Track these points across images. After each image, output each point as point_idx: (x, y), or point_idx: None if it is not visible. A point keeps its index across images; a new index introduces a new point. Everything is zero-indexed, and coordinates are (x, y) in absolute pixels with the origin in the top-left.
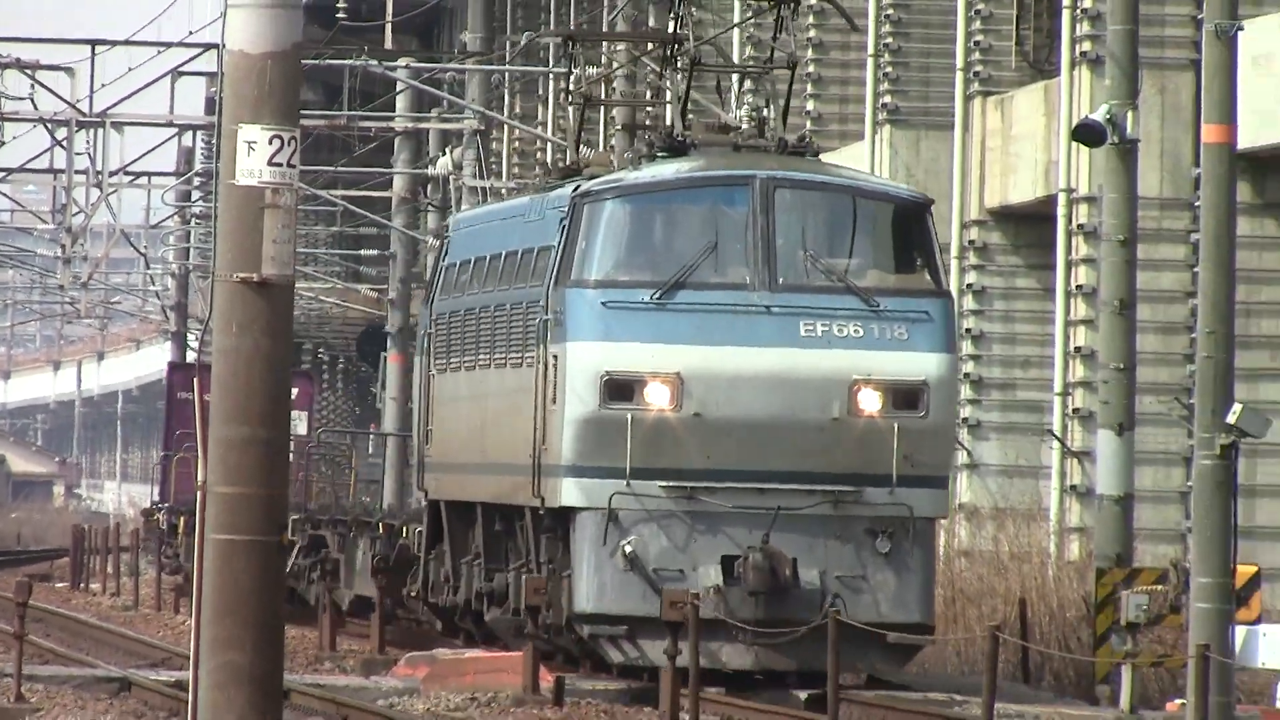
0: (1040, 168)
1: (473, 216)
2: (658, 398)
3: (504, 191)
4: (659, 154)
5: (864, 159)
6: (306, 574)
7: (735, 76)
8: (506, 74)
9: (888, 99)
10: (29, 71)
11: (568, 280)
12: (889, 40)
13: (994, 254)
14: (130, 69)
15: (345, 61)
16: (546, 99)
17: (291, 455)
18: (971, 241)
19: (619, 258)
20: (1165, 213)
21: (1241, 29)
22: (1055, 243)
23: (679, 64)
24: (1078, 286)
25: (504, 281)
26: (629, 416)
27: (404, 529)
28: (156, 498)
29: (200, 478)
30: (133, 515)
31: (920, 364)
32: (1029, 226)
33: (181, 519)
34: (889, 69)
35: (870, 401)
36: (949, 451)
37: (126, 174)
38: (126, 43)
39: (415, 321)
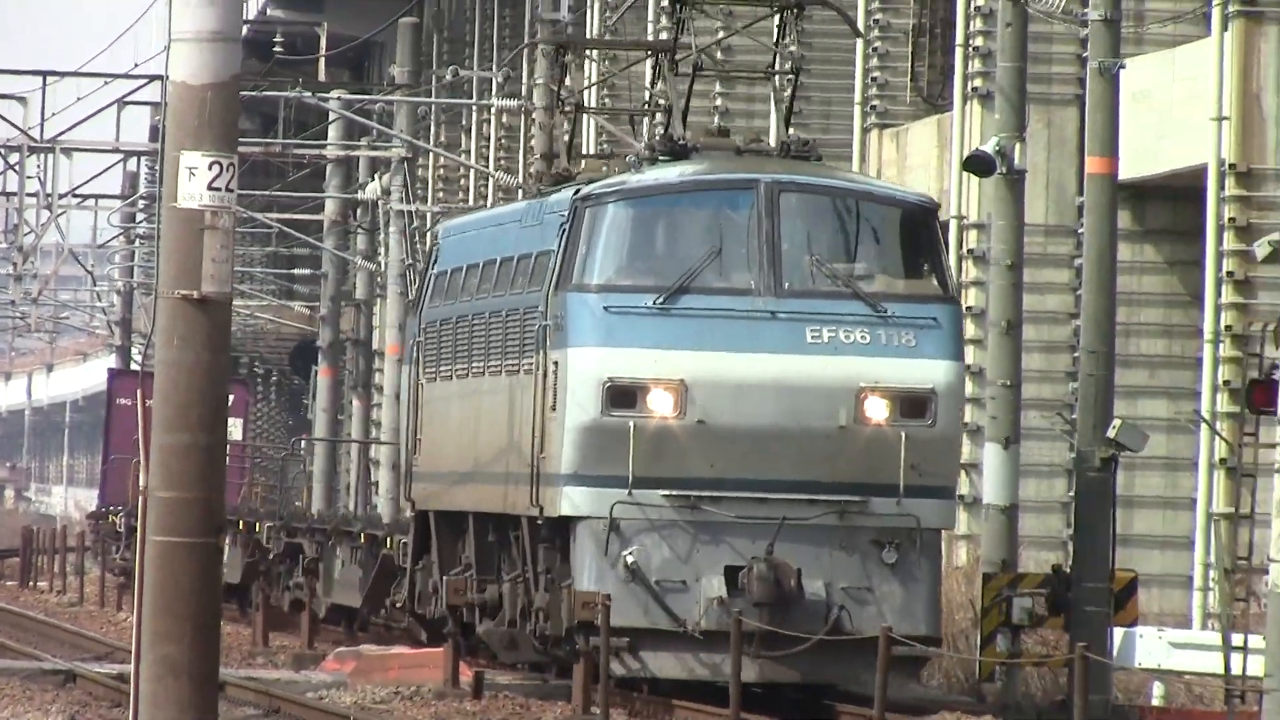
0: (933, 196)
1: (463, 224)
2: (661, 405)
3: (429, 216)
4: (660, 157)
5: None
6: (280, 580)
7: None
8: (432, 106)
9: (790, 131)
10: None
11: (569, 285)
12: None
13: None
14: (79, 98)
15: (281, 93)
16: (470, 129)
17: (229, 459)
18: None
19: (621, 262)
20: (1050, 239)
21: (1123, 67)
22: None
23: (678, 69)
24: (967, 308)
25: (499, 287)
26: (631, 424)
27: (388, 539)
28: (98, 501)
29: (142, 483)
30: (78, 518)
31: (928, 372)
32: None
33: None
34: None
35: (877, 410)
36: (956, 462)
37: (75, 196)
38: (76, 74)
39: (347, 337)
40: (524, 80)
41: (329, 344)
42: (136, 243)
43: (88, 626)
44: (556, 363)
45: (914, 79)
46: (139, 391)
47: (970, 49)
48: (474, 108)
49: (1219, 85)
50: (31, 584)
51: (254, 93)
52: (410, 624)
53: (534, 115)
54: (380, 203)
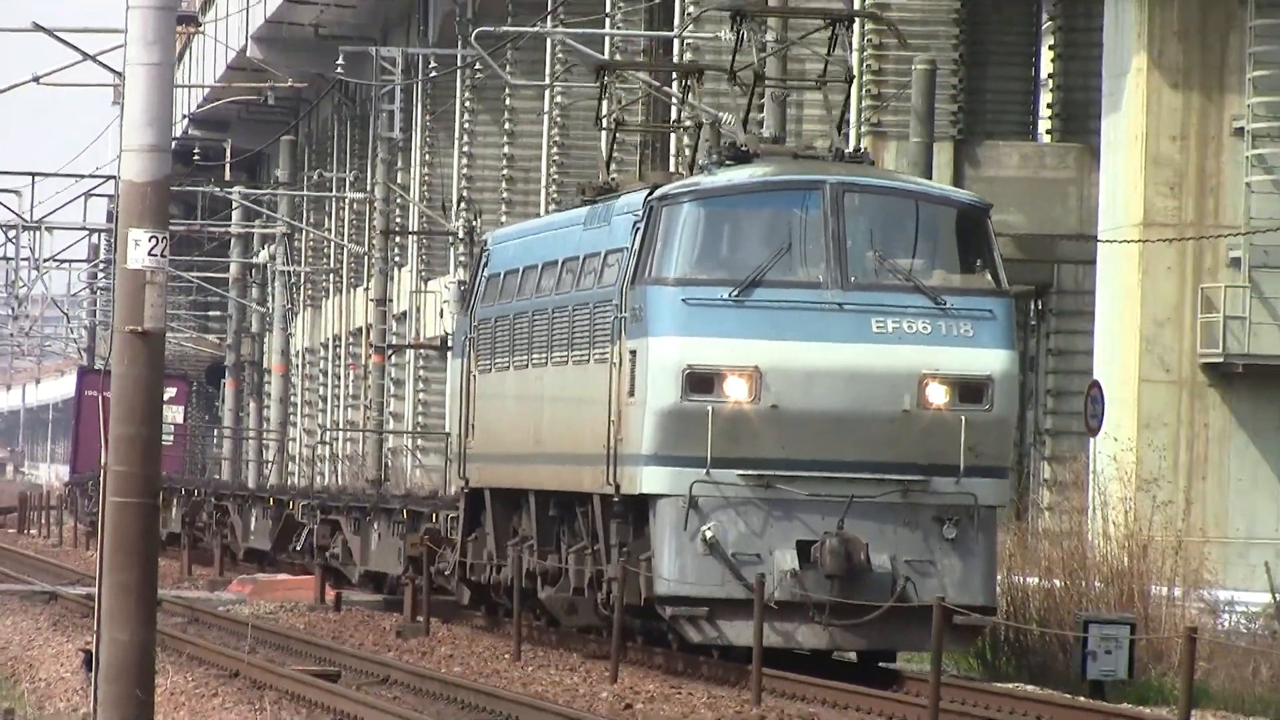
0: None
1: (513, 231)
2: (737, 390)
3: (302, 274)
4: (725, 162)
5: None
6: (311, 552)
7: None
8: (304, 197)
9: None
10: None
11: (647, 279)
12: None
13: None
14: (57, 192)
15: (198, 188)
16: (330, 212)
17: (173, 438)
18: None
19: (697, 257)
20: None
21: None
22: None
23: (737, 79)
24: None
25: (562, 285)
26: (709, 408)
27: (434, 515)
28: (70, 473)
29: (103, 460)
30: (58, 485)
31: (986, 360)
32: None
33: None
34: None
35: (938, 395)
36: (1009, 443)
37: (55, 261)
38: (55, 174)
39: (245, 359)
40: (368, 177)
41: (233, 364)
42: (99, 293)
43: (65, 561)
44: (634, 351)
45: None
46: (99, 391)
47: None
48: (333, 198)
49: None
50: (26, 531)
51: (179, 188)
52: (456, 587)
53: (376, 205)
54: (268, 265)
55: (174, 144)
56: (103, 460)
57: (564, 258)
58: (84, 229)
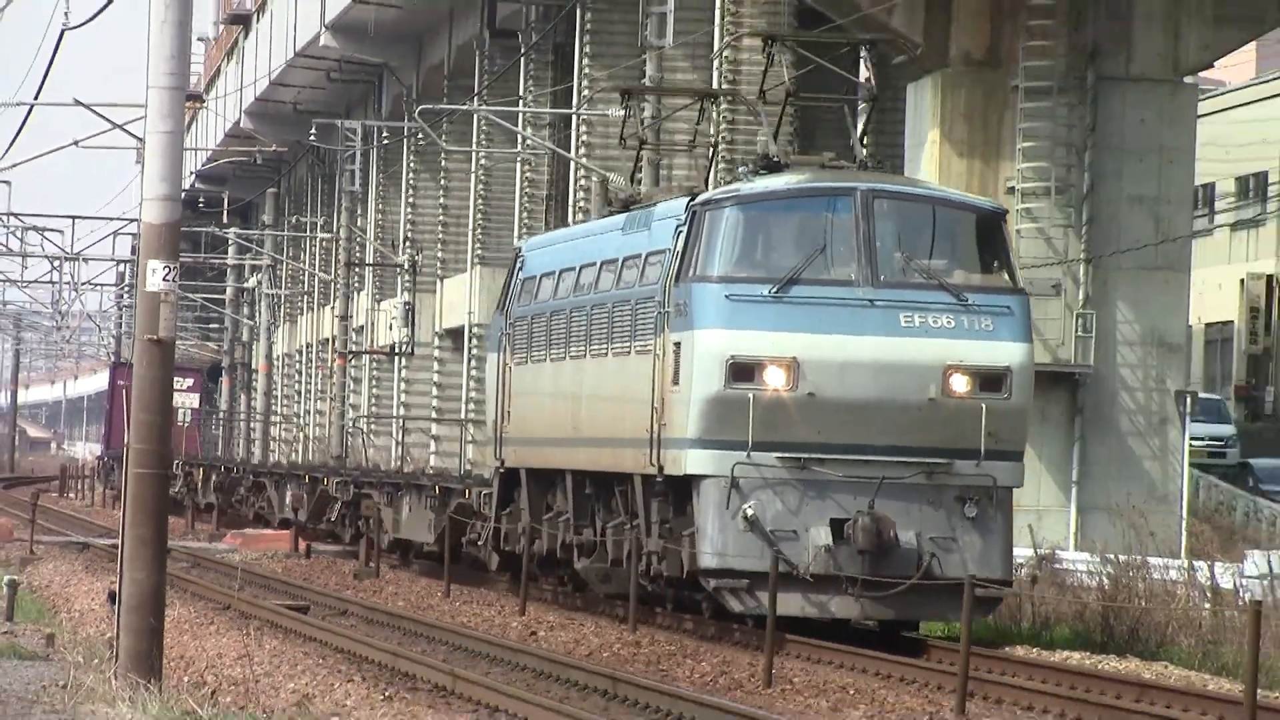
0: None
1: (546, 239)
2: (776, 379)
3: (283, 296)
4: (760, 171)
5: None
6: (344, 522)
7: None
8: (285, 236)
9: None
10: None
11: (692, 276)
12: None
13: None
14: (92, 230)
15: (202, 229)
16: (306, 248)
17: (188, 422)
18: None
19: (738, 257)
20: None
21: None
22: None
23: (766, 98)
24: None
25: (602, 284)
26: (751, 395)
27: (466, 491)
28: (103, 449)
29: (126, 440)
30: (91, 459)
31: (1005, 352)
32: None
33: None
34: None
35: (961, 384)
36: (1025, 429)
37: (90, 285)
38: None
39: (238, 361)
40: (335, 222)
41: (228, 365)
42: (123, 309)
43: (96, 518)
44: (679, 343)
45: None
46: (124, 385)
47: None
48: (306, 237)
49: None
50: (65, 495)
51: (187, 228)
52: (486, 555)
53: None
54: (256, 289)
55: (183, 194)
56: (126, 439)
57: (603, 260)
58: (113, 260)
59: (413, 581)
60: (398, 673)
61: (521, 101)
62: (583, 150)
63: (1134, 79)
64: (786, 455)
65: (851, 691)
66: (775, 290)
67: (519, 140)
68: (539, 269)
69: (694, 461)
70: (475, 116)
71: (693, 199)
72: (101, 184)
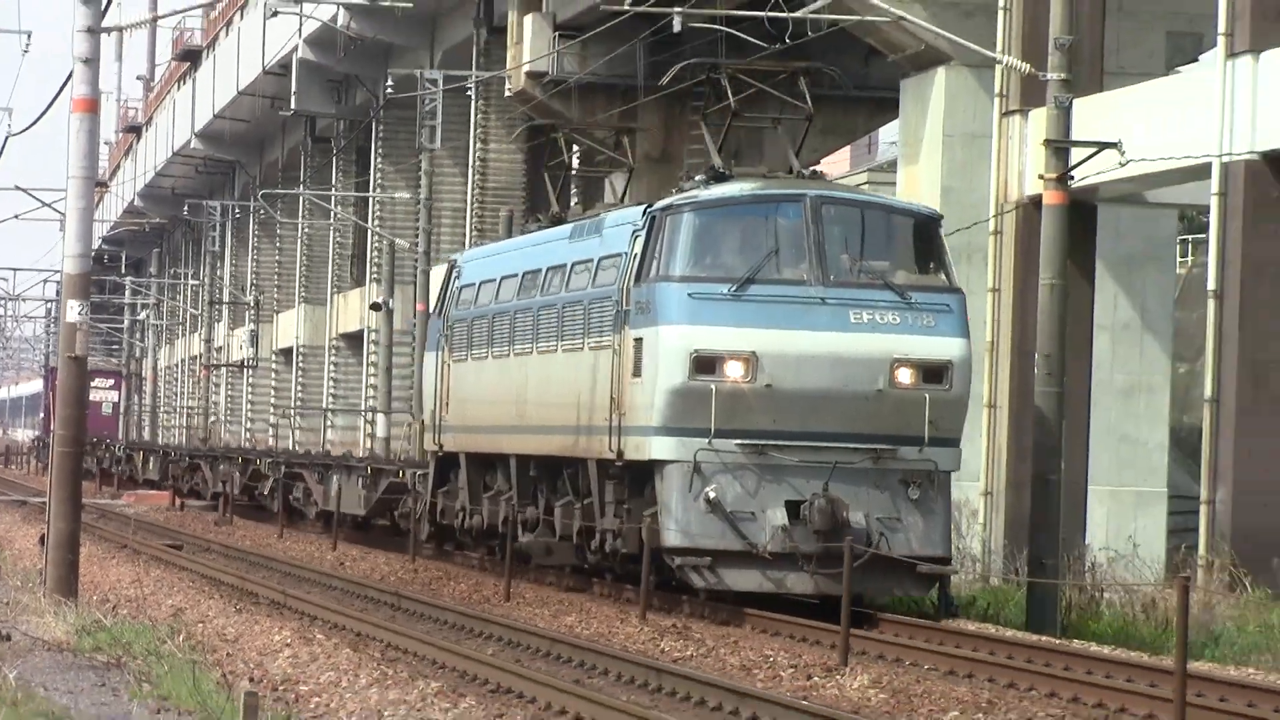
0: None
1: (483, 251)
2: (736, 371)
3: (164, 325)
4: (710, 182)
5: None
6: (273, 495)
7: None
8: (165, 284)
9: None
10: None
11: (654, 277)
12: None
13: None
14: (29, 278)
15: (107, 277)
16: (183, 293)
17: (109, 411)
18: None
19: (698, 258)
20: None
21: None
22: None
23: (708, 119)
24: None
25: (549, 288)
26: (713, 387)
27: (400, 471)
28: (40, 433)
29: (56, 428)
30: (28, 441)
31: (946, 347)
32: None
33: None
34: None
35: (906, 376)
36: (964, 418)
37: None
38: (28, 269)
39: (140, 370)
40: (202, 272)
41: (125, 374)
42: (50, 334)
43: (30, 483)
44: (640, 338)
45: None
46: (51, 385)
47: None
48: (182, 284)
49: None
50: (8, 467)
51: (97, 277)
52: (414, 527)
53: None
54: (146, 320)
55: (92, 253)
56: (52, 427)
57: (548, 265)
58: (43, 300)
59: (256, 528)
60: (245, 592)
61: (334, 187)
62: (377, 222)
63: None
64: (745, 442)
65: (566, 604)
66: (734, 289)
67: (331, 215)
68: (477, 277)
69: (658, 448)
70: (300, 198)
71: (649, 205)
72: (38, 242)
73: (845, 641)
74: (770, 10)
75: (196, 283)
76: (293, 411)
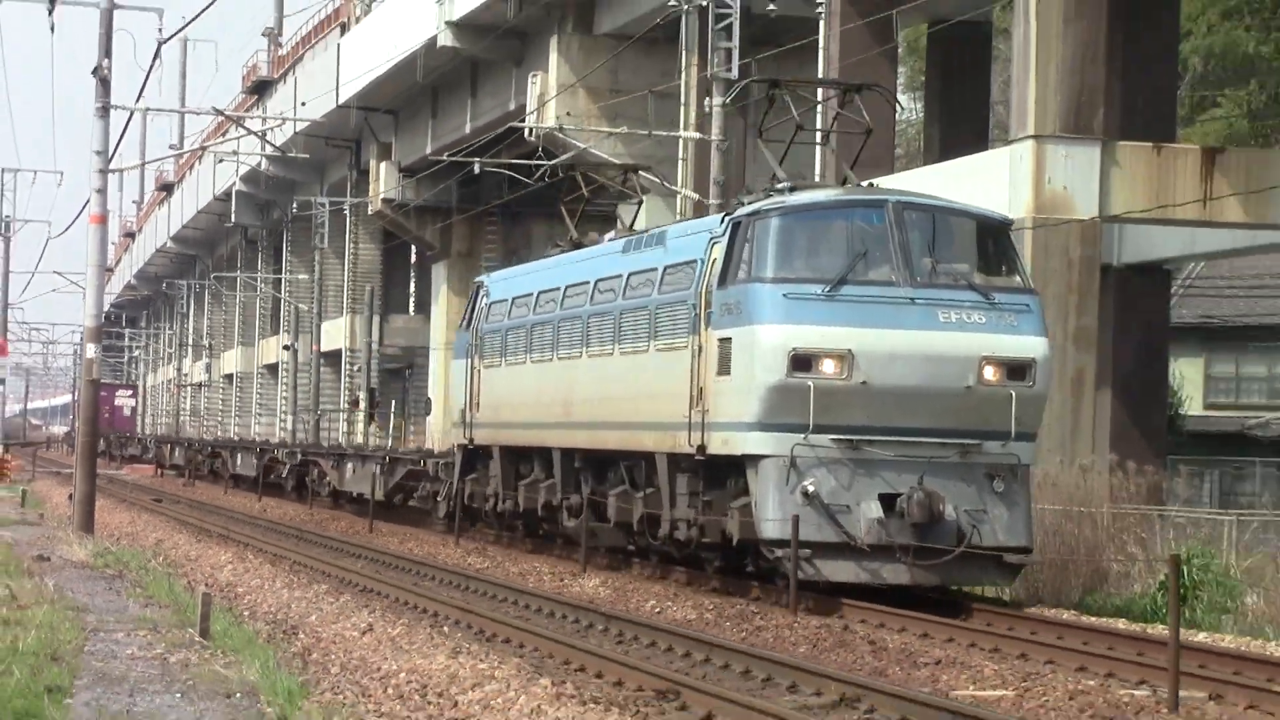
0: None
1: (509, 272)
2: (832, 369)
3: (151, 360)
4: (774, 192)
5: None
6: (288, 480)
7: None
8: (148, 333)
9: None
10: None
11: (745, 278)
12: None
13: None
14: (63, 330)
15: (114, 328)
16: (161, 338)
17: (135, 412)
18: None
19: (789, 260)
20: None
21: None
22: None
23: (764, 135)
24: None
25: (600, 298)
26: (810, 383)
27: (421, 461)
28: (68, 430)
29: (79, 425)
30: (60, 434)
31: (1029, 345)
32: None
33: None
34: None
35: (993, 373)
36: (1042, 414)
37: (60, 355)
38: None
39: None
40: (174, 327)
41: (135, 392)
42: (77, 365)
43: (63, 460)
44: (728, 338)
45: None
46: (80, 400)
47: None
48: (163, 334)
49: None
50: (48, 450)
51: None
52: (433, 507)
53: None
54: (141, 355)
55: (103, 313)
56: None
57: (596, 278)
58: (73, 343)
59: (214, 488)
60: (202, 529)
61: (259, 272)
62: (287, 294)
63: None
64: (839, 437)
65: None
66: (829, 290)
67: (257, 289)
68: (508, 293)
69: (754, 442)
70: (237, 279)
71: (729, 213)
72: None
73: (585, 555)
74: (538, 160)
75: (171, 332)
76: (233, 414)
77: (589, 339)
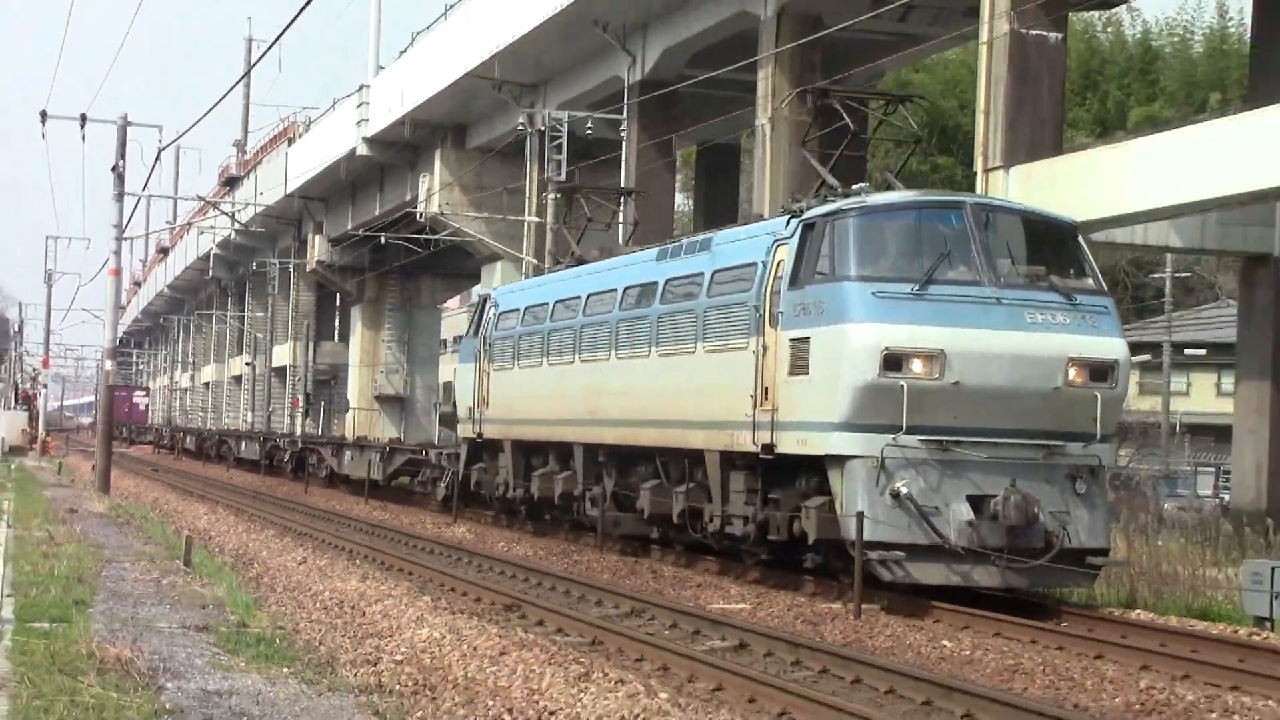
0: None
1: (515, 286)
2: (924, 368)
3: (154, 370)
4: (835, 196)
5: None
6: (290, 465)
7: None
8: (150, 353)
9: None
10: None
11: (829, 277)
12: None
13: None
14: (89, 349)
15: (126, 349)
16: (163, 356)
17: (147, 407)
18: None
19: (872, 259)
20: None
21: None
22: None
23: (806, 146)
24: None
25: (627, 303)
26: (903, 384)
27: (424, 450)
28: (94, 420)
29: (99, 417)
30: (89, 423)
31: (1111, 346)
32: None
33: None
34: None
35: (1080, 375)
36: (1120, 416)
37: (85, 368)
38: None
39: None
40: (166, 352)
41: (149, 392)
42: (99, 374)
43: (89, 443)
44: (806, 337)
45: None
46: (100, 400)
47: None
48: (162, 355)
49: None
50: (78, 435)
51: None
52: (433, 491)
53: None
54: (145, 370)
55: (117, 339)
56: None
57: (625, 286)
58: (97, 360)
59: (192, 461)
60: (186, 490)
61: (229, 311)
62: (249, 326)
63: (423, 306)
64: (929, 438)
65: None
66: (917, 288)
67: (228, 323)
68: (521, 304)
69: (841, 443)
70: (214, 316)
71: (795, 215)
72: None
73: (456, 510)
74: (426, 235)
75: (166, 352)
76: (210, 411)
77: (618, 342)
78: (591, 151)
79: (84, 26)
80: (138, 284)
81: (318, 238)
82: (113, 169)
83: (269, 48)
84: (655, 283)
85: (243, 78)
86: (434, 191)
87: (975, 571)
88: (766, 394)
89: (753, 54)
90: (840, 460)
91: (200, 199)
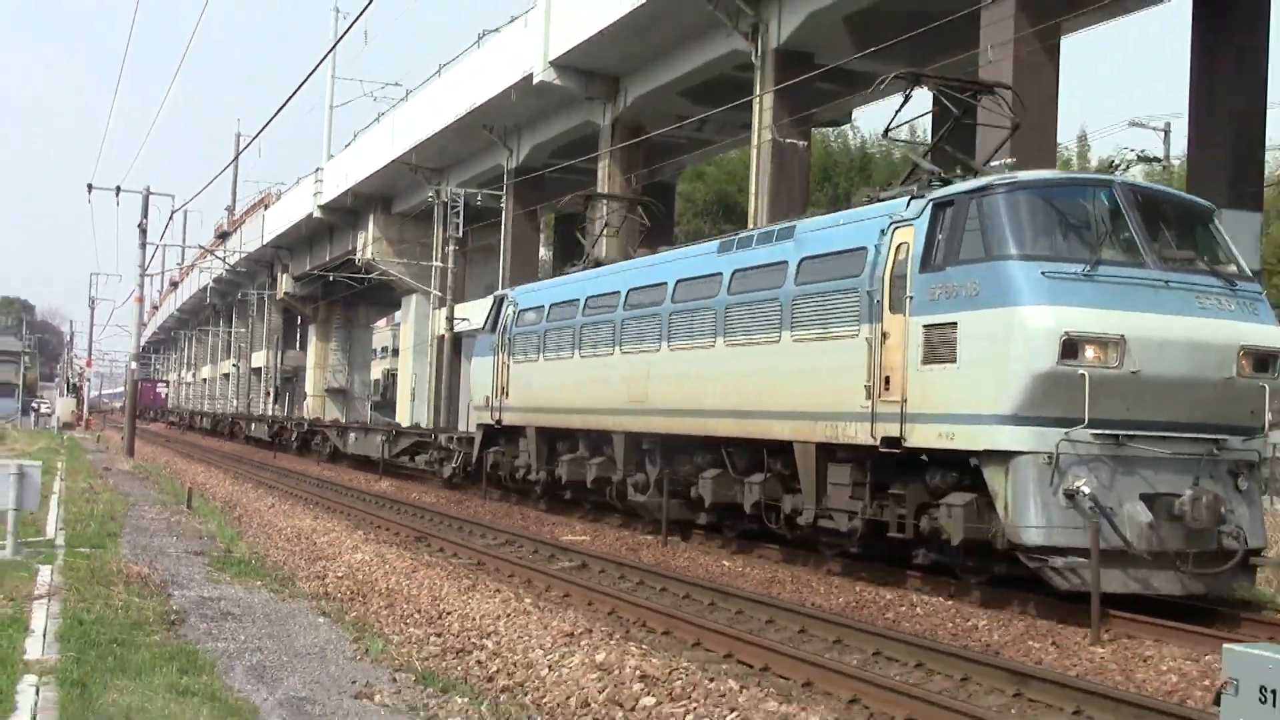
0: None
1: (532, 286)
2: (1102, 356)
3: (176, 373)
4: (956, 179)
5: None
6: (296, 444)
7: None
8: (164, 356)
9: None
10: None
11: (982, 257)
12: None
13: None
14: (121, 352)
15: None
16: (179, 366)
17: (167, 395)
18: None
19: (1034, 238)
20: None
21: None
22: None
23: (889, 133)
24: None
25: (680, 295)
26: (1082, 372)
27: (434, 435)
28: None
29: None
30: (120, 407)
31: (1274, 334)
32: None
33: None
34: None
35: (1249, 364)
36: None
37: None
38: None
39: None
40: (176, 358)
41: (164, 389)
42: (128, 372)
43: (119, 420)
44: (953, 323)
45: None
46: (127, 390)
47: None
48: (175, 360)
49: None
50: (111, 416)
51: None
52: (439, 469)
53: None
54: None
55: (140, 348)
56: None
57: (677, 279)
58: (127, 363)
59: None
60: (190, 455)
61: (220, 329)
62: (234, 339)
63: (360, 325)
64: (1103, 432)
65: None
66: (1089, 269)
67: (219, 339)
68: (543, 301)
69: (1003, 437)
70: (209, 333)
71: (919, 195)
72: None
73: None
74: (363, 275)
75: (175, 357)
76: (207, 399)
77: (670, 334)
78: (482, 216)
79: (119, 118)
80: (156, 307)
81: (285, 275)
82: (138, 225)
83: (251, 141)
84: (718, 274)
85: (232, 161)
86: (369, 244)
87: (1155, 578)
88: (888, 383)
89: (594, 150)
90: (1003, 456)
91: (201, 248)
